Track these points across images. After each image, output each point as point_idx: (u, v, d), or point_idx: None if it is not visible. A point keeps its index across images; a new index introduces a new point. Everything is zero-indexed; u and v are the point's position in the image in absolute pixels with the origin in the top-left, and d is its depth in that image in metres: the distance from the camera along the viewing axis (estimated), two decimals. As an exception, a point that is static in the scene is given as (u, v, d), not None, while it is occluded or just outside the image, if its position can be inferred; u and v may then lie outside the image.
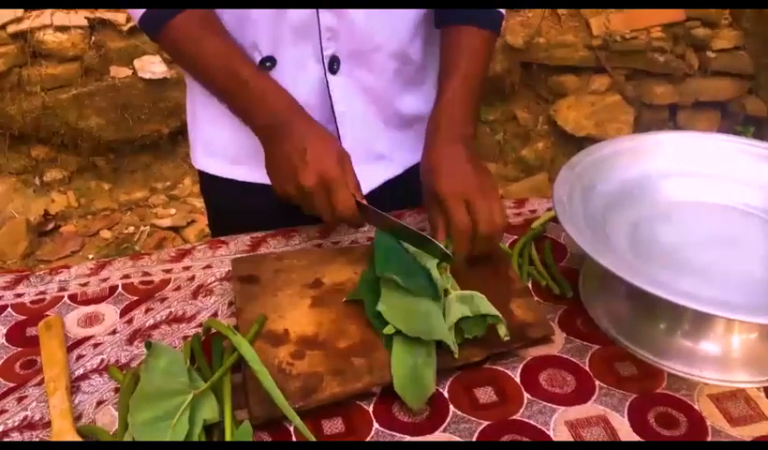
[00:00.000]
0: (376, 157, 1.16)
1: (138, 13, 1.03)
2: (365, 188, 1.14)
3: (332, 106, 1.09)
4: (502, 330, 0.84)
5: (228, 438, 0.75)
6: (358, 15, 1.04)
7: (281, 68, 1.06)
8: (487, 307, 0.85)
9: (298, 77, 1.06)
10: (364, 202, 0.96)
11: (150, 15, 1.02)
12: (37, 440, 0.79)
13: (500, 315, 0.84)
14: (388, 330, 0.84)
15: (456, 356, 0.83)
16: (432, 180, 0.96)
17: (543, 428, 0.78)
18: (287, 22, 1.03)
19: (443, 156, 0.97)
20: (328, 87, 1.08)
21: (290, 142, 0.97)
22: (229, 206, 1.24)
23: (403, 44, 1.10)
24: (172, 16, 1.01)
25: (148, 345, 0.81)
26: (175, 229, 3.05)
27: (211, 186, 1.25)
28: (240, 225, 1.12)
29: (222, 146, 1.17)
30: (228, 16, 1.05)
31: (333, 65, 1.06)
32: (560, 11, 3.31)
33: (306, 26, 1.03)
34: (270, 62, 1.06)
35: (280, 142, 0.98)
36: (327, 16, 1.03)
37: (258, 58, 1.06)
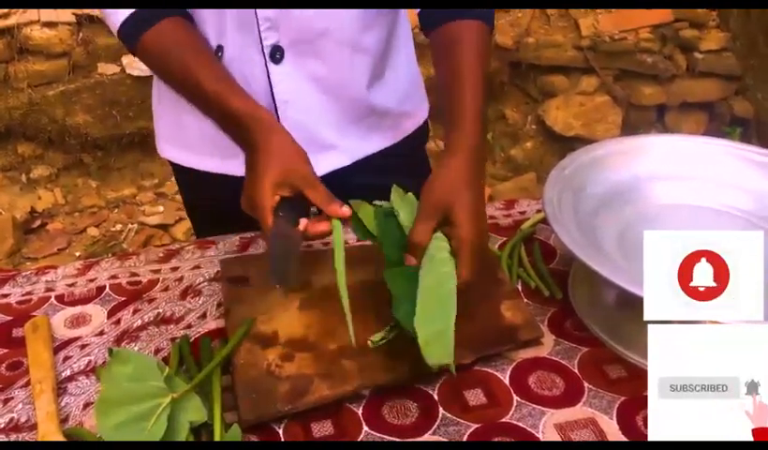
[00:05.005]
0: (322, 146, 1.12)
1: (116, 25, 1.01)
2: None
3: (272, 95, 1.08)
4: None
5: (217, 440, 0.74)
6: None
7: (227, 58, 1.06)
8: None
9: (243, 66, 1.06)
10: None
11: (125, 30, 1.01)
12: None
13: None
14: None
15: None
16: (422, 197, 0.90)
17: (532, 431, 0.78)
18: (227, 14, 1.03)
19: (444, 171, 0.90)
20: (269, 77, 1.07)
21: (248, 158, 0.94)
22: (200, 198, 1.24)
23: (352, 32, 1.08)
24: (147, 30, 0.99)
25: (110, 352, 0.78)
26: (163, 226, 3.03)
27: (181, 177, 1.26)
28: (217, 219, 1.11)
29: (188, 136, 1.16)
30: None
31: (276, 54, 1.05)
32: (549, 11, 3.32)
33: (246, 17, 1.03)
34: (219, 50, 1.06)
35: (246, 157, 0.95)
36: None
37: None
